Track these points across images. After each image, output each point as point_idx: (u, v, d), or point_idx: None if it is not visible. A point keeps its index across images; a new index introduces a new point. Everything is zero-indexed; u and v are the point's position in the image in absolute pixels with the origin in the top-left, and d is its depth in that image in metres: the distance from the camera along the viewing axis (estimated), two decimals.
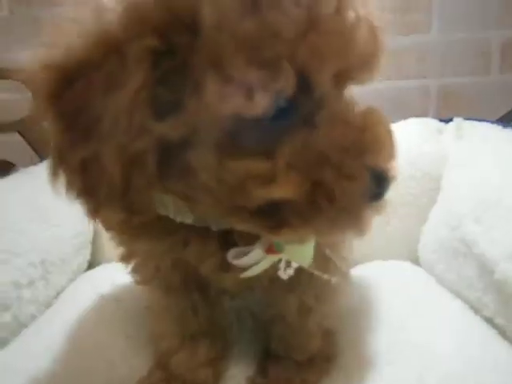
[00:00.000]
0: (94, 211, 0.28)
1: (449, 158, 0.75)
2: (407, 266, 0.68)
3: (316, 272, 0.38)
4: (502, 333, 0.47)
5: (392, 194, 0.77)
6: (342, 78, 0.29)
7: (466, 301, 0.53)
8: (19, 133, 0.96)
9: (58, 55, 0.26)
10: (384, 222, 0.73)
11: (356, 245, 0.71)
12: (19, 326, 0.54)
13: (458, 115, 1.05)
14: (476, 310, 0.51)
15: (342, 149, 0.27)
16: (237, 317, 0.52)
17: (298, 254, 0.35)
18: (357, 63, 0.29)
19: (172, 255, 0.38)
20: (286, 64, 0.24)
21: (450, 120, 0.86)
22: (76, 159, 0.26)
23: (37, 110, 0.27)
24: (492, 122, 0.82)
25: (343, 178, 0.27)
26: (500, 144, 0.67)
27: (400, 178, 0.76)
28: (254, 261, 0.34)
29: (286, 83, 0.25)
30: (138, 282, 0.45)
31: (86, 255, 0.75)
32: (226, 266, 0.35)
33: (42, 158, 0.93)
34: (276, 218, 0.28)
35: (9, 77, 0.86)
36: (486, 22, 1.06)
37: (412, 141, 0.80)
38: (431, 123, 0.85)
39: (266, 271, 0.35)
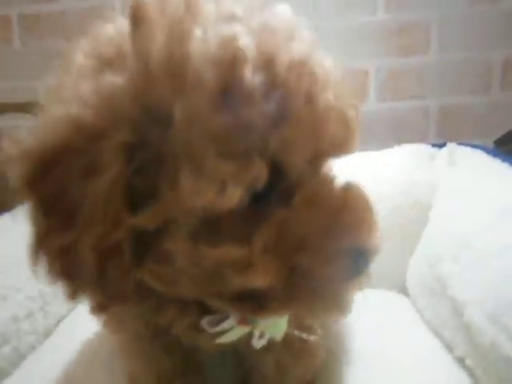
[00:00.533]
0: (73, 294, 0.29)
1: (439, 187, 0.76)
2: (393, 296, 0.69)
3: (296, 332, 0.38)
4: (472, 375, 0.47)
5: (383, 221, 0.78)
6: (317, 159, 0.29)
7: (441, 339, 0.54)
8: None
9: (35, 142, 0.27)
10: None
11: None
12: (19, 358, 0.58)
13: (459, 135, 1.05)
14: (450, 350, 0.52)
15: (319, 232, 0.28)
16: (213, 360, 0.53)
17: (272, 327, 0.36)
18: (329, 148, 0.29)
19: (145, 318, 0.39)
20: (256, 157, 0.25)
21: (444, 144, 0.86)
22: (55, 245, 0.27)
23: (19, 193, 0.28)
24: (493, 142, 0.82)
25: (320, 263, 0.28)
26: (486, 178, 0.67)
27: (391, 207, 0.78)
28: (227, 329, 0.35)
29: (258, 175, 0.25)
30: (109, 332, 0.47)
31: None
32: (201, 329, 0.35)
33: None
34: (255, 301, 0.29)
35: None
36: (486, 40, 1.05)
37: (404, 169, 0.80)
38: (424, 149, 0.85)
39: (239, 338, 0.36)
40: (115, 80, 0.26)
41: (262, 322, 0.35)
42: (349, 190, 0.31)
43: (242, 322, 0.35)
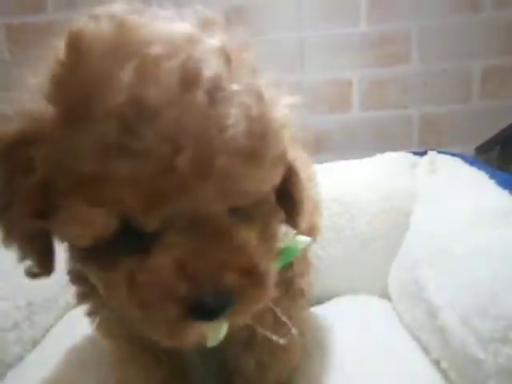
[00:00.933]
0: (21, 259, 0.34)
1: (419, 194, 0.78)
2: (375, 301, 0.71)
3: (267, 333, 0.41)
4: (447, 377, 0.49)
5: (365, 227, 0.79)
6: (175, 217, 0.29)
7: (418, 342, 0.56)
8: None
9: None
10: (356, 255, 0.76)
11: (329, 278, 0.75)
12: (6, 367, 0.59)
13: (440, 143, 1.08)
14: (427, 353, 0.53)
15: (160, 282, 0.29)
16: (198, 364, 0.55)
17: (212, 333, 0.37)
18: (185, 208, 0.29)
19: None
20: (109, 207, 0.27)
21: (425, 153, 0.89)
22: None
23: None
24: (474, 149, 0.84)
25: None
26: (461, 185, 0.69)
27: (372, 213, 0.80)
28: None
29: (107, 223, 0.28)
30: (100, 337, 0.48)
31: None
32: None
33: None
34: None
35: None
36: (466, 50, 1.08)
37: (386, 176, 0.82)
38: (406, 157, 0.88)
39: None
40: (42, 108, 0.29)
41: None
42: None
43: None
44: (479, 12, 1.05)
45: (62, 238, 0.32)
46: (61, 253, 0.34)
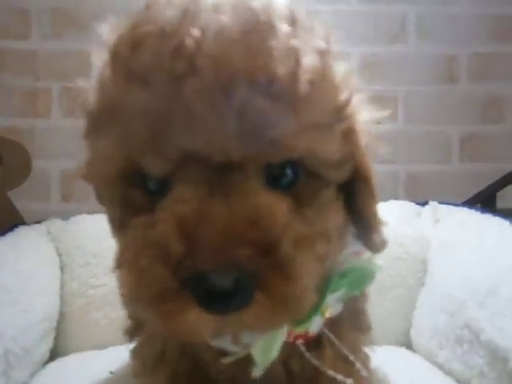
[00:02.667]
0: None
1: (431, 241, 0.78)
2: (404, 352, 0.66)
3: (338, 376, 0.36)
4: None
5: (382, 276, 0.76)
6: (186, 162, 0.25)
7: None
8: None
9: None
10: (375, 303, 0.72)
11: None
12: None
13: (425, 198, 1.11)
14: None
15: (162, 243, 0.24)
16: None
17: (261, 351, 0.32)
18: (201, 150, 0.25)
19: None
20: (122, 143, 0.25)
21: (426, 203, 0.91)
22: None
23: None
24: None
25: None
26: (480, 228, 0.70)
27: (388, 260, 0.77)
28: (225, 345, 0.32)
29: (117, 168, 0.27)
30: (136, 374, 0.39)
31: (49, 343, 0.66)
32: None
33: None
34: None
35: None
36: (445, 117, 1.18)
37: (394, 223, 0.82)
38: (409, 206, 0.89)
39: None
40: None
41: (256, 345, 0.31)
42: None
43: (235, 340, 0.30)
44: (456, 83, 1.16)
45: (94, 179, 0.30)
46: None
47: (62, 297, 0.71)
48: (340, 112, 0.28)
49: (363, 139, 0.31)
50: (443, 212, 0.85)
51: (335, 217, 0.30)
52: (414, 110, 1.17)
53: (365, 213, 0.33)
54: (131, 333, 0.41)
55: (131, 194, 0.28)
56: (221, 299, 0.23)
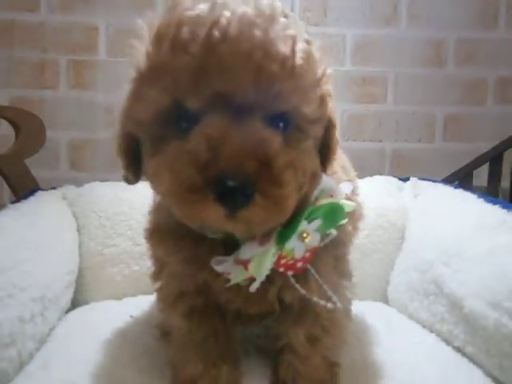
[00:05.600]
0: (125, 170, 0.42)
1: (410, 212, 0.87)
2: (381, 306, 0.77)
3: (321, 301, 0.43)
4: (472, 360, 0.55)
5: (365, 240, 0.86)
6: (219, 99, 0.34)
7: (437, 334, 0.62)
8: None
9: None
10: (358, 265, 0.82)
11: None
12: (21, 363, 0.54)
13: (409, 175, 1.20)
14: (447, 342, 0.59)
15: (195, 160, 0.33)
16: (243, 348, 0.55)
17: (256, 266, 0.40)
18: (234, 90, 0.34)
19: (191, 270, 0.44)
20: (167, 88, 0.34)
21: (407, 179, 1.00)
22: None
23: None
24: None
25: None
26: (452, 202, 0.79)
27: (371, 227, 0.87)
28: (227, 269, 0.41)
29: (159, 105, 0.35)
30: (161, 310, 0.48)
31: (71, 294, 0.75)
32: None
33: (17, 195, 0.92)
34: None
35: None
36: (431, 98, 1.25)
37: (378, 195, 0.91)
38: (392, 181, 0.98)
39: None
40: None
41: (253, 263, 0.40)
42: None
43: (237, 261, 0.40)
44: (443, 66, 1.24)
45: (135, 122, 0.38)
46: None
47: (80, 255, 0.79)
48: (318, 82, 0.38)
49: (331, 102, 0.41)
50: (423, 187, 0.94)
51: (311, 160, 0.40)
52: (403, 91, 1.24)
53: (330, 141, 0.42)
54: (155, 276, 0.50)
55: (164, 132, 0.36)
56: (232, 196, 0.32)
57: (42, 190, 0.87)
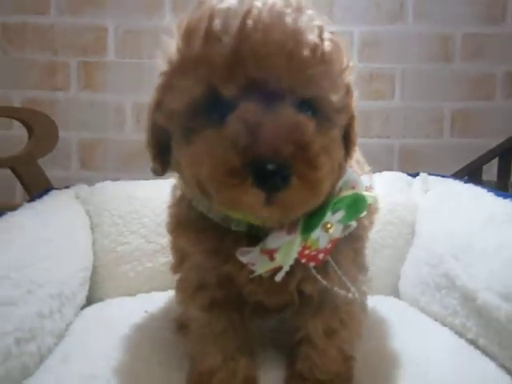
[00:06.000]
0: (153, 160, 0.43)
1: (419, 207, 0.88)
2: (393, 300, 0.77)
3: (341, 291, 0.44)
4: (485, 352, 0.55)
5: (376, 235, 0.86)
6: (252, 86, 0.35)
7: (450, 327, 0.62)
8: (11, 169, 0.96)
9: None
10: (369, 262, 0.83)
11: None
12: (41, 358, 0.55)
13: (418, 170, 1.20)
14: (460, 334, 0.60)
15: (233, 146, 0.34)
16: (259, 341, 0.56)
17: (282, 254, 0.41)
18: (266, 77, 0.35)
19: (212, 260, 0.44)
20: (202, 78, 0.35)
21: (417, 174, 1.00)
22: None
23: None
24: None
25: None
26: (462, 196, 0.80)
27: (381, 223, 0.87)
28: (253, 260, 0.41)
29: (194, 93, 0.36)
30: (180, 302, 0.49)
31: (86, 290, 0.76)
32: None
33: (31, 195, 0.93)
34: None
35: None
36: (438, 93, 1.25)
37: (388, 191, 0.91)
38: (402, 176, 0.98)
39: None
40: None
41: (280, 252, 0.40)
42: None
43: (264, 251, 0.41)
44: (451, 62, 1.23)
45: (166, 113, 0.39)
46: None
47: (94, 252, 0.81)
48: (344, 72, 0.39)
49: (354, 94, 0.42)
50: (432, 182, 0.94)
51: (339, 149, 0.41)
52: (410, 87, 1.24)
53: (351, 133, 0.43)
54: (175, 268, 0.51)
55: (195, 122, 0.37)
56: (270, 178, 0.33)
57: (56, 189, 0.89)
